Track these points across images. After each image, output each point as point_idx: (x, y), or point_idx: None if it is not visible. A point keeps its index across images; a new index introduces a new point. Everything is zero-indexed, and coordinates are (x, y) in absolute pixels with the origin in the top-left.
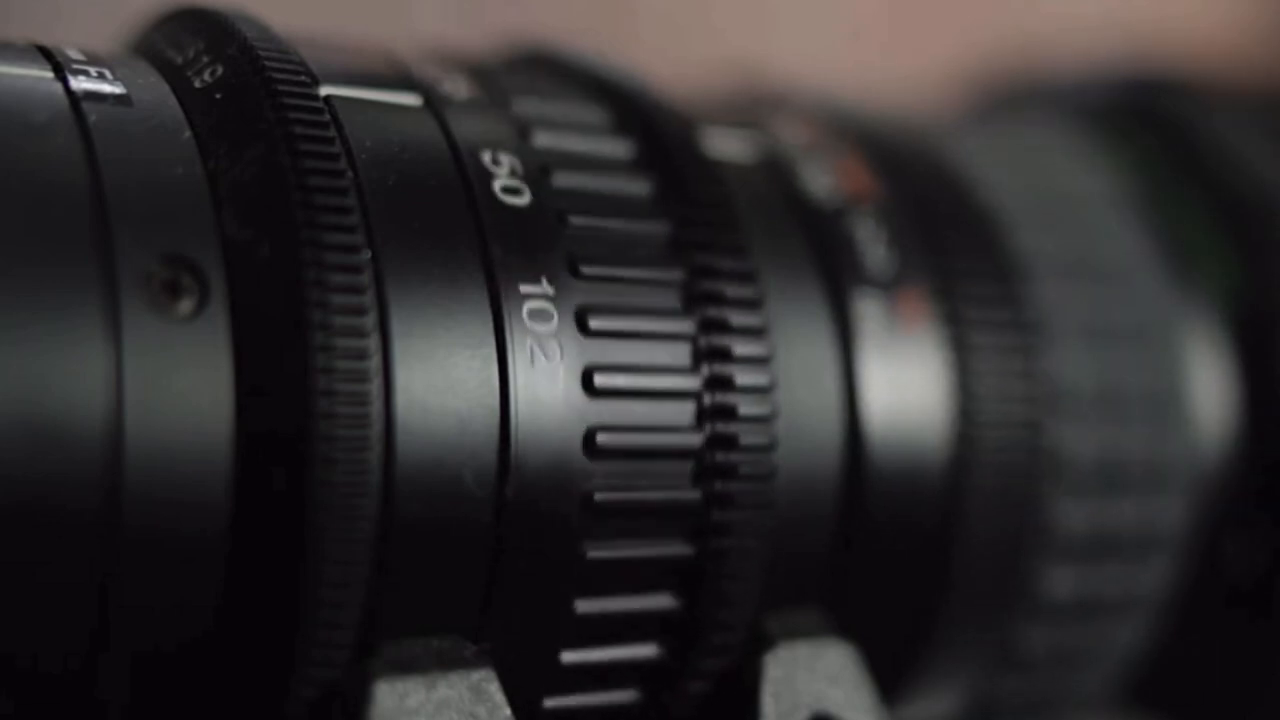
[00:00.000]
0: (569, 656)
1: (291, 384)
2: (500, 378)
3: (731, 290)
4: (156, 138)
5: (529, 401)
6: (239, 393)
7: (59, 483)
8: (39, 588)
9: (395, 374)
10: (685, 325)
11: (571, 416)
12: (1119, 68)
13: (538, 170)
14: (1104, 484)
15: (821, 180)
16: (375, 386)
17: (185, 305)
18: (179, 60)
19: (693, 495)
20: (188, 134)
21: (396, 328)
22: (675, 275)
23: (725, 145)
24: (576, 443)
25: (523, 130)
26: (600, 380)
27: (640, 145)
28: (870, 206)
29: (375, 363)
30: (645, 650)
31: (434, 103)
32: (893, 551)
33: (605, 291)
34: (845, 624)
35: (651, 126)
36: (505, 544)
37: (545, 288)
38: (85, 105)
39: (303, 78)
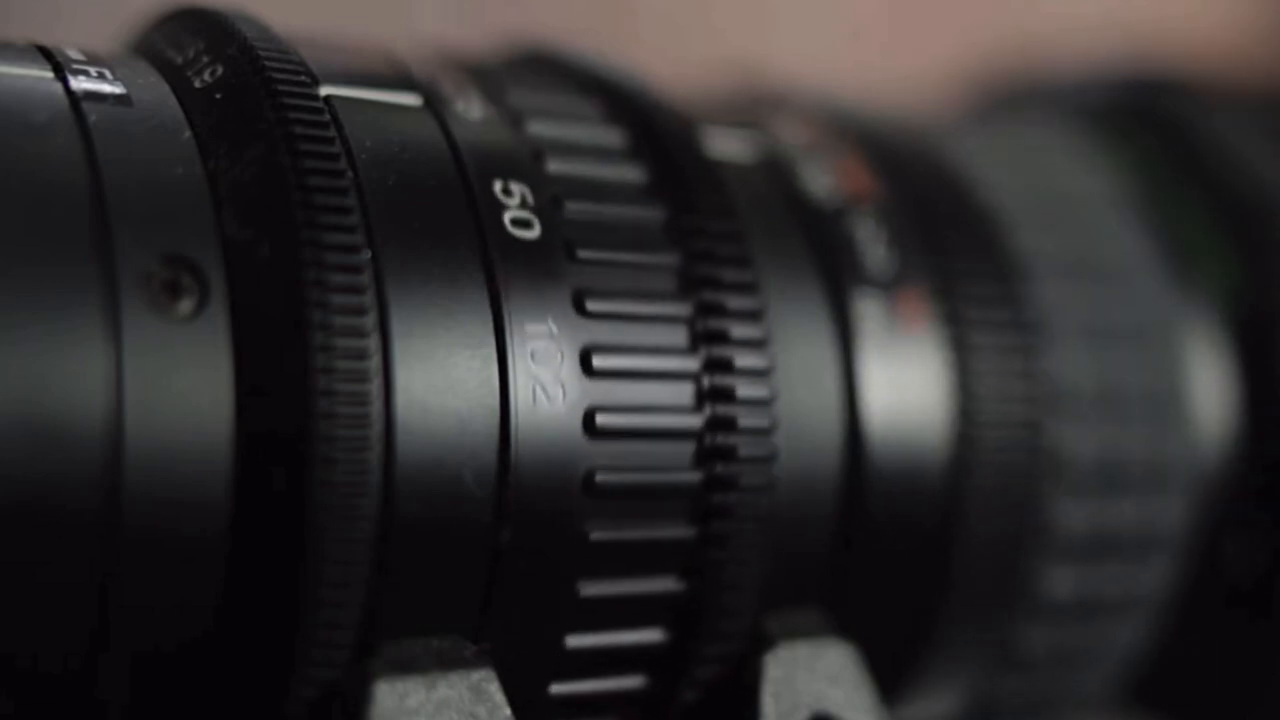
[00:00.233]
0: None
1: (291, 384)
2: (500, 377)
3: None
4: (156, 138)
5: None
6: (239, 393)
7: (59, 483)
8: (39, 588)
9: (395, 374)
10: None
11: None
12: (1119, 68)
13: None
14: (1104, 484)
15: (821, 180)
16: (375, 386)
17: (185, 305)
18: (179, 60)
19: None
20: (188, 134)
21: (396, 328)
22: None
23: (725, 145)
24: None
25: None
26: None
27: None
28: (870, 206)
29: (375, 363)
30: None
31: (434, 103)
32: (893, 551)
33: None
34: (845, 624)
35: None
36: (505, 543)
37: None
38: (85, 105)
39: (303, 78)
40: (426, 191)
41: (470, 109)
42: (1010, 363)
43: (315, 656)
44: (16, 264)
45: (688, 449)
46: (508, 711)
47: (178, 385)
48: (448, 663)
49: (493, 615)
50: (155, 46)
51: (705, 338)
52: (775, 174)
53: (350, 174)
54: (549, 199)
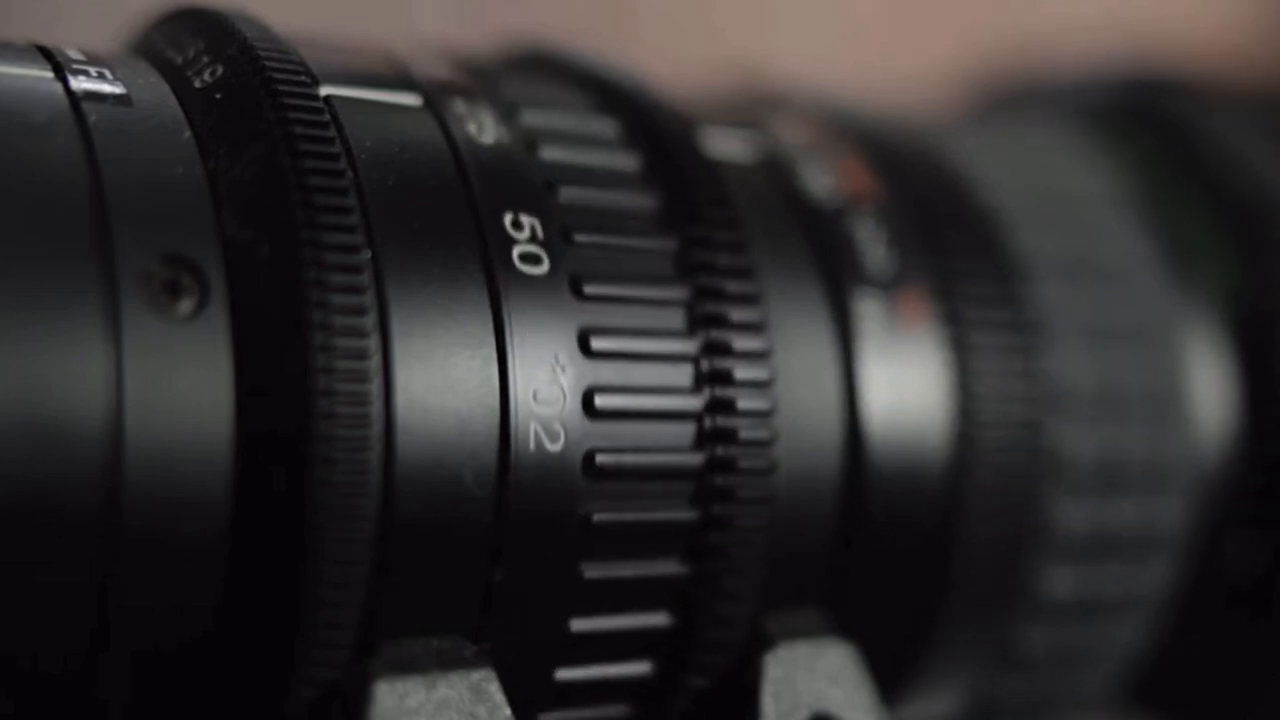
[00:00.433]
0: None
1: (291, 384)
2: (500, 378)
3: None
4: (156, 138)
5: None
6: (239, 393)
7: (59, 483)
8: (39, 588)
9: (395, 374)
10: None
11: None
12: (1119, 68)
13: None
14: (1104, 484)
15: (821, 180)
16: (375, 386)
17: (185, 305)
18: (179, 60)
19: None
20: (188, 134)
21: (396, 328)
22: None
23: (725, 145)
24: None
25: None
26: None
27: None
28: (870, 206)
29: (375, 363)
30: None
31: (433, 102)
32: (893, 551)
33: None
34: (845, 624)
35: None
36: (505, 544)
37: None
38: (85, 105)
39: (303, 78)
40: (426, 191)
41: (470, 108)
42: (1010, 363)
43: (315, 656)
44: (16, 264)
45: (686, 486)
46: (508, 711)
47: (178, 385)
48: (448, 663)
49: (493, 615)
50: (155, 46)
51: (710, 378)
52: (775, 174)
53: (350, 174)
54: (555, 228)
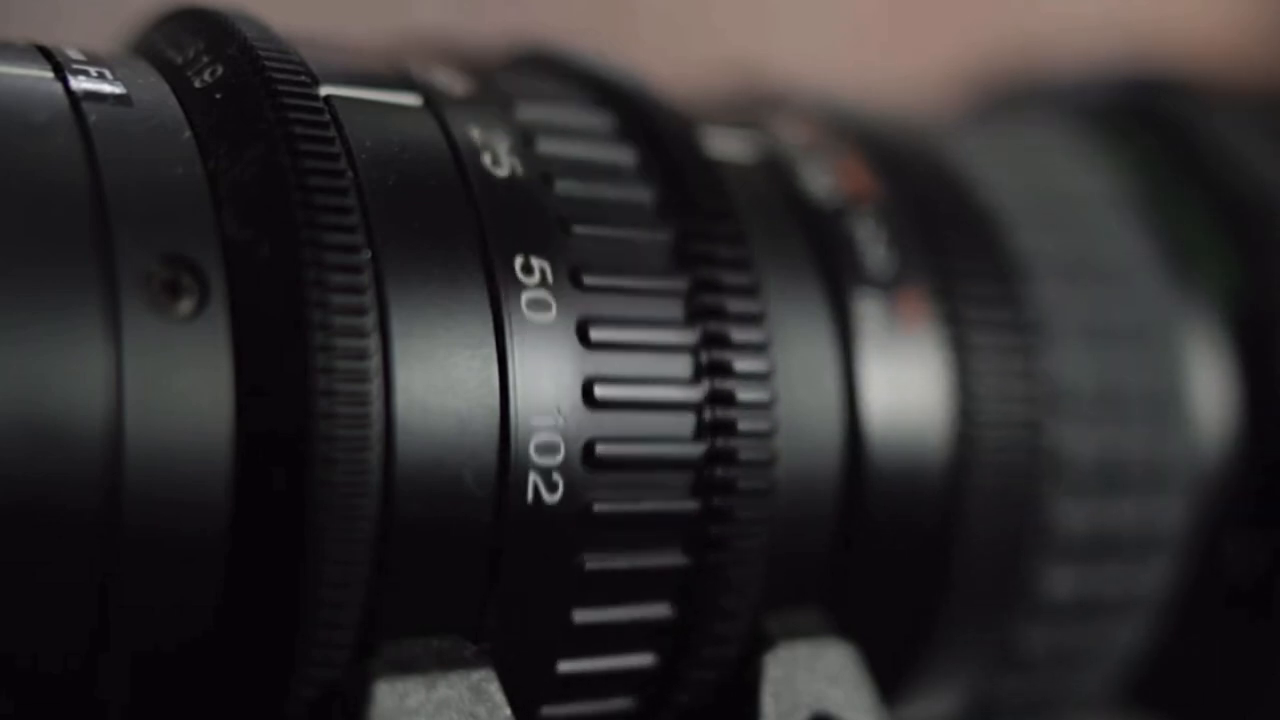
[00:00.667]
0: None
1: (291, 384)
2: (500, 378)
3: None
4: (156, 138)
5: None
6: (239, 393)
7: (59, 483)
8: (39, 588)
9: (395, 374)
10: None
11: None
12: (1119, 68)
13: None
14: (1104, 484)
15: (821, 180)
16: (375, 386)
17: (185, 305)
18: (179, 60)
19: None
20: (188, 134)
21: (396, 328)
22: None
23: (725, 145)
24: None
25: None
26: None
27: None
28: (870, 206)
29: (375, 363)
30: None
31: (434, 102)
32: (893, 551)
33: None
34: (845, 624)
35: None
36: (505, 544)
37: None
38: (85, 105)
39: (303, 78)
40: (426, 191)
41: (469, 108)
42: (1010, 363)
43: (315, 656)
44: (16, 264)
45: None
46: (508, 711)
47: (178, 385)
48: (448, 663)
49: (493, 615)
50: (155, 46)
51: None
52: (775, 174)
53: (350, 174)
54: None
